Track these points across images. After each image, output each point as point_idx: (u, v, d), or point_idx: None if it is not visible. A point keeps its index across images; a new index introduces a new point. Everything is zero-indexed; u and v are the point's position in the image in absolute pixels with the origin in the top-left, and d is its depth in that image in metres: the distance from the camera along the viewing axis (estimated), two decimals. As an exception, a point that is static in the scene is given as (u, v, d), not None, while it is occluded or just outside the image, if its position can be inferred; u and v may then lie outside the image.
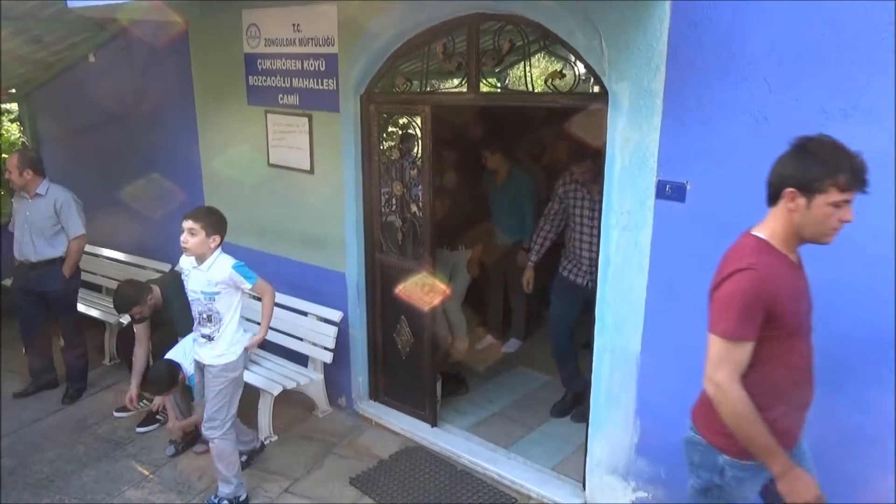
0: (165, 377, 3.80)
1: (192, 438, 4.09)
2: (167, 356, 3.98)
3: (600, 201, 3.11)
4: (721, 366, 2.01)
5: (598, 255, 3.21)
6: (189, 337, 4.18)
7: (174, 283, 4.69)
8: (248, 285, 3.33)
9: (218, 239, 3.26)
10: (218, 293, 3.26)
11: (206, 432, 3.41)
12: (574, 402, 4.29)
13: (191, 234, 3.20)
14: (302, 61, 4.11)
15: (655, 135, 2.78)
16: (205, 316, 3.31)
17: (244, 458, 3.81)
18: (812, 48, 2.39)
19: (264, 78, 4.38)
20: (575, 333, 4.23)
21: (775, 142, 2.48)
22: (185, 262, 3.40)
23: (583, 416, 3.84)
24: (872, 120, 2.31)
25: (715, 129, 2.64)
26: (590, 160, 3.70)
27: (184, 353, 3.98)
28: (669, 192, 2.79)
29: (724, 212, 2.68)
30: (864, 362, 2.49)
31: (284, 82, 4.26)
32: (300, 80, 4.16)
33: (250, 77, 4.48)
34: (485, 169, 5.06)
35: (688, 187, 2.75)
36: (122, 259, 5.74)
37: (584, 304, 3.91)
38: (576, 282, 4.07)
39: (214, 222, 3.26)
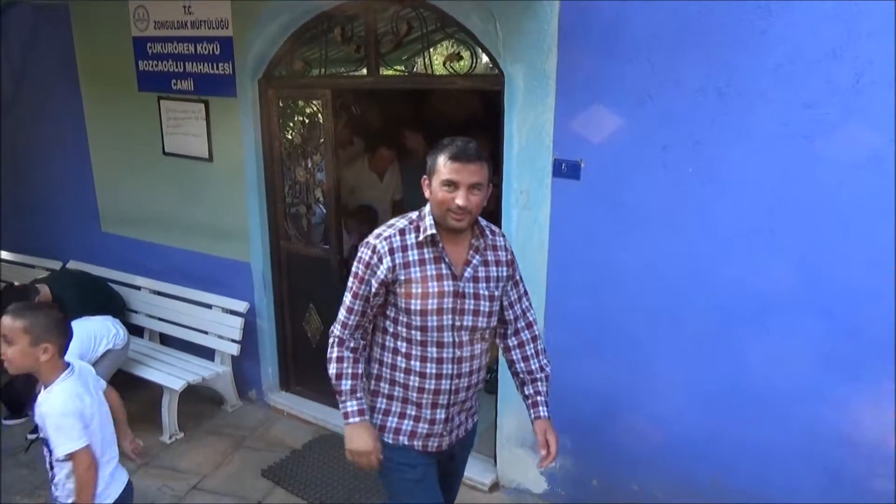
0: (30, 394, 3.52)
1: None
2: None
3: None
4: None
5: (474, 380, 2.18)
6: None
7: (63, 279, 4.46)
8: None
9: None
10: None
11: None
12: None
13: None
14: (195, 45, 3.96)
15: (550, 114, 2.87)
16: None
17: None
18: (690, 31, 2.53)
19: (155, 63, 4.19)
20: None
21: (658, 119, 2.66)
22: None
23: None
24: (744, 97, 2.47)
25: (605, 109, 2.76)
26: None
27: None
28: (565, 170, 2.89)
29: (616, 188, 2.81)
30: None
31: (177, 67, 4.09)
32: (194, 64, 4.01)
33: (140, 62, 4.27)
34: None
35: (582, 165, 2.86)
36: (7, 258, 5.38)
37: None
38: (431, 449, 2.20)
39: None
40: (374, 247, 2.04)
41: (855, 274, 2.39)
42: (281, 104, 3.91)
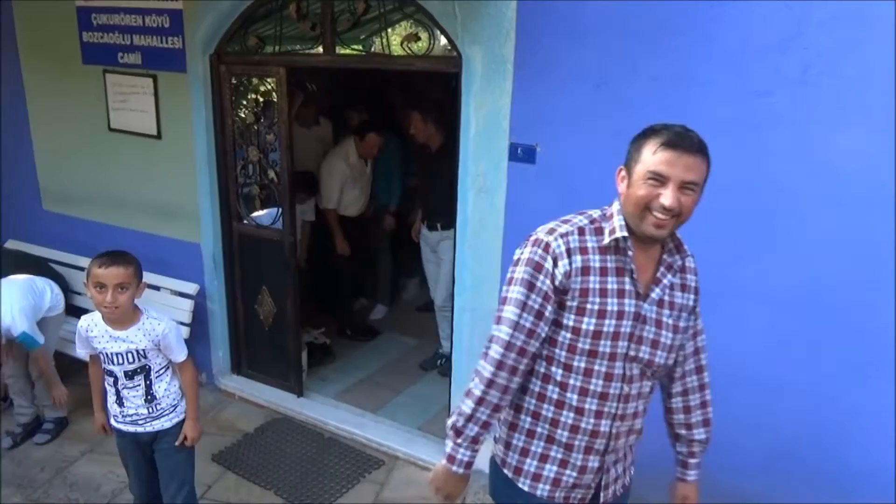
0: None
1: (32, 429, 3.76)
2: None
3: None
4: None
5: None
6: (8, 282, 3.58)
7: (1, 260, 4.27)
8: None
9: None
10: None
11: None
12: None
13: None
14: (143, 17, 3.81)
15: (507, 99, 2.87)
16: None
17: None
18: (645, 18, 2.55)
19: (101, 34, 4.03)
20: None
21: (613, 106, 2.67)
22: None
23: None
24: (697, 85, 2.51)
25: (561, 94, 2.77)
26: None
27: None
28: (521, 154, 2.90)
29: (572, 173, 2.83)
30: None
31: (124, 39, 3.93)
32: (142, 37, 3.86)
33: (84, 33, 4.09)
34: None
35: (538, 150, 2.87)
36: (-60, 237, 5.12)
37: None
38: (573, 502, 1.81)
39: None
40: (547, 245, 1.60)
41: (807, 260, 2.45)
42: (234, 81, 3.81)
